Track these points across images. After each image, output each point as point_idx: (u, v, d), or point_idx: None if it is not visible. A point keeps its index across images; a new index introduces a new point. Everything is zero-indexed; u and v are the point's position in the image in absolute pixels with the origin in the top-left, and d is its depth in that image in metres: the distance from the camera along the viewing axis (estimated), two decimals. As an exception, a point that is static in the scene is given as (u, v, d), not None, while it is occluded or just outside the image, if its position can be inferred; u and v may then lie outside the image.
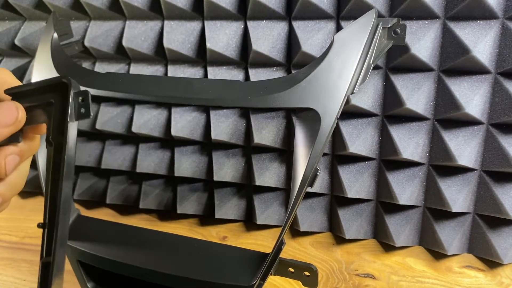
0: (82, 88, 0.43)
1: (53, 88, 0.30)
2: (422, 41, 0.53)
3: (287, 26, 0.59)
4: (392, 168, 0.60)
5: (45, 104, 0.30)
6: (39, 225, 0.31)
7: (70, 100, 0.29)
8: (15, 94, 0.31)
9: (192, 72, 0.64)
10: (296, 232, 0.68)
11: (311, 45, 0.56)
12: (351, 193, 0.61)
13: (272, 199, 0.68)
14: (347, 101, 0.49)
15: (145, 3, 0.62)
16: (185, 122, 0.65)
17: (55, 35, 0.52)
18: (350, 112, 0.59)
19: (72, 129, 0.29)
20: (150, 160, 0.70)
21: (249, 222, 0.70)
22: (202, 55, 0.63)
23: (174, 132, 0.64)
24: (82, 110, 0.30)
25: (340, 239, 0.66)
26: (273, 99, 0.42)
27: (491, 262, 0.59)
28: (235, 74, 0.62)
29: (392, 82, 0.56)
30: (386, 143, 0.59)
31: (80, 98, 0.30)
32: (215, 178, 0.66)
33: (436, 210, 0.60)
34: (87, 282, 0.49)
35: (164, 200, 0.73)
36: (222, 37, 0.60)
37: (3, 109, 0.29)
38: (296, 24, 0.57)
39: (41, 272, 0.30)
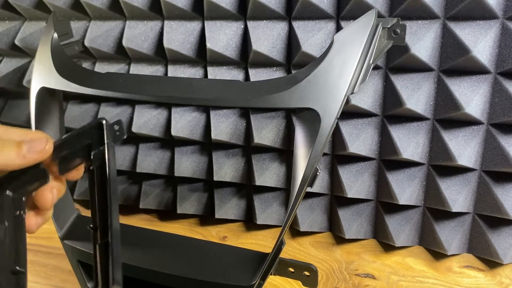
0: (84, 88, 0.46)
1: (90, 130, 0.34)
2: (422, 41, 0.53)
3: (287, 26, 0.59)
4: (392, 168, 0.60)
5: (81, 149, 0.35)
6: (89, 227, 0.36)
7: (105, 127, 0.34)
8: (56, 146, 0.35)
9: (192, 72, 0.64)
10: (296, 232, 0.68)
11: (311, 45, 0.56)
12: (351, 193, 0.61)
13: (272, 199, 0.67)
14: (347, 101, 0.49)
15: (145, 3, 0.62)
16: (185, 122, 0.65)
17: (55, 35, 0.52)
18: (350, 112, 0.59)
19: (111, 148, 0.34)
20: (150, 160, 0.70)
21: (249, 222, 0.70)
22: (202, 55, 0.63)
23: (174, 132, 0.64)
24: (117, 133, 0.35)
25: (340, 239, 0.66)
26: (273, 99, 0.42)
27: (491, 262, 0.59)
28: (235, 74, 0.62)
29: (392, 82, 0.56)
30: (386, 143, 0.59)
31: (115, 126, 0.35)
32: (215, 178, 0.66)
33: (436, 210, 0.60)
34: (87, 282, 0.49)
35: (164, 200, 0.73)
36: (222, 37, 0.60)
37: (35, 137, 0.34)
38: (296, 24, 0.57)
39: (100, 251, 0.34)
